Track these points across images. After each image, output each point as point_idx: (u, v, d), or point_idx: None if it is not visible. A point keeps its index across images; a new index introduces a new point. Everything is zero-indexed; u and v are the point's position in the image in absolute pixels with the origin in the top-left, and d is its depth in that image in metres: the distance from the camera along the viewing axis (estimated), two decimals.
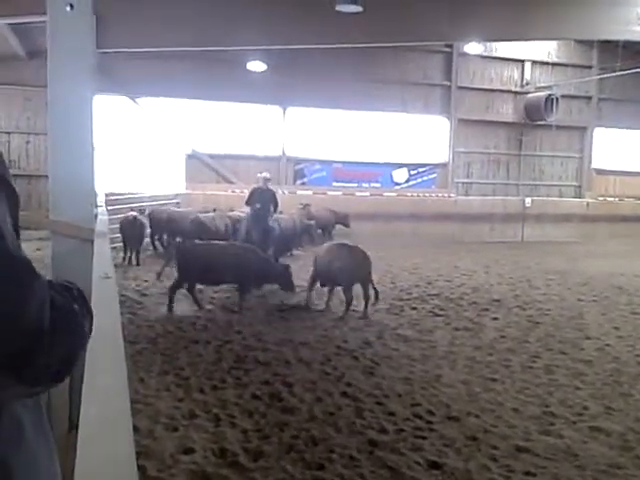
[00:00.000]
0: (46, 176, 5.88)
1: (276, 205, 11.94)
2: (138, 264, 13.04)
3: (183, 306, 9.42)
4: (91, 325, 1.20)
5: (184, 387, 6.05)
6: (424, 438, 5.09)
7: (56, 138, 5.35)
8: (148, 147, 19.39)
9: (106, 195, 14.42)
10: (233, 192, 18.82)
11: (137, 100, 19.02)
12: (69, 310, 1.10)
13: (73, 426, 3.20)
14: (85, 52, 5.30)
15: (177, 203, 17.33)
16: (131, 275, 11.82)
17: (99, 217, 7.25)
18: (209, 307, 9.64)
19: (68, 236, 5.24)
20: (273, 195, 11.90)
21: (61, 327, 1.05)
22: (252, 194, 11.82)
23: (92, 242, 4.89)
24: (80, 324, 1.14)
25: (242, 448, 4.78)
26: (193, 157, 19.97)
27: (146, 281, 11.28)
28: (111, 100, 18.05)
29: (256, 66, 19.44)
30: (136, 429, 4.58)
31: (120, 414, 1.41)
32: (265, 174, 12.16)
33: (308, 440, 4.96)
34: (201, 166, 20.08)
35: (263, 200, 11.58)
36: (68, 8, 5.00)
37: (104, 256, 4.18)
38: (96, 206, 7.93)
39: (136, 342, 7.46)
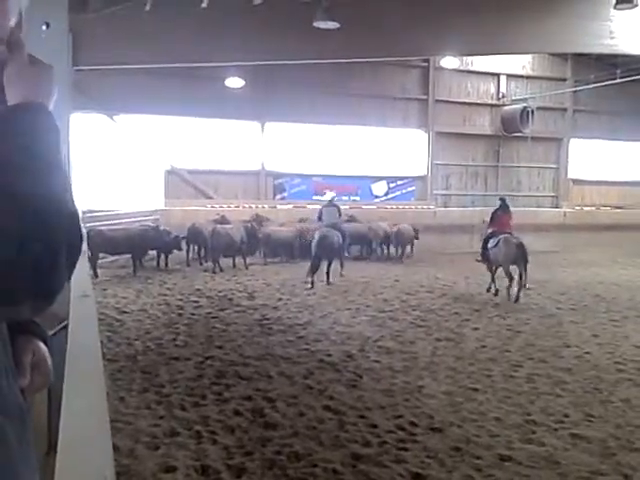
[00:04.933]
0: None
1: (339, 215, 14.10)
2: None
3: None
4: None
5: (165, 404, 5.99)
6: (407, 450, 5.09)
7: None
8: (126, 164, 19.28)
9: (84, 212, 14.34)
10: (212, 207, 18.77)
11: (114, 117, 18.93)
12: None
13: (52, 447, 3.16)
14: (61, 70, 5.29)
15: (156, 219, 17.23)
16: (110, 292, 11.72)
17: None
18: (186, 321, 9.59)
19: None
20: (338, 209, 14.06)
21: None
22: (320, 211, 13.98)
23: None
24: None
25: (224, 465, 4.74)
26: (172, 173, 19.90)
27: (125, 298, 11.19)
28: (88, 118, 17.95)
29: (234, 82, 19.48)
30: (116, 448, 4.53)
31: (100, 433, 1.40)
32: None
33: (291, 455, 4.93)
34: (180, 182, 20.02)
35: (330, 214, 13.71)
36: (44, 27, 4.99)
37: (82, 274, 4.15)
38: None
39: (115, 360, 7.38)
